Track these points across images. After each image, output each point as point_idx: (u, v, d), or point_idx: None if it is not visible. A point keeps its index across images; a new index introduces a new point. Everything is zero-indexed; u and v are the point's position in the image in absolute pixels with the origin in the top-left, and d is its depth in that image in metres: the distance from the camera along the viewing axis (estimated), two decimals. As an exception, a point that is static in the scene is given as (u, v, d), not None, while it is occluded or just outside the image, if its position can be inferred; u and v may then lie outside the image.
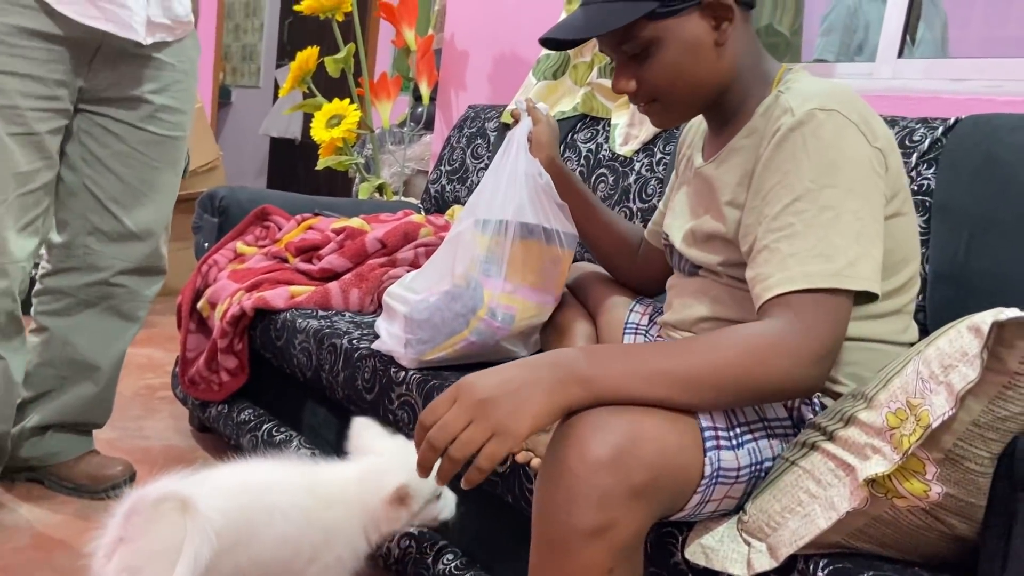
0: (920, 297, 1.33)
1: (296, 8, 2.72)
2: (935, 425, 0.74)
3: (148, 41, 1.51)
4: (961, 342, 0.76)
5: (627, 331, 1.33)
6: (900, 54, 1.77)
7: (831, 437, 0.86)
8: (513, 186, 1.33)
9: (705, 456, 0.87)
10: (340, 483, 1.18)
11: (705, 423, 0.88)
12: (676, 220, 1.18)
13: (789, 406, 0.98)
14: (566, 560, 0.81)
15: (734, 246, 1.01)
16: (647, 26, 1.01)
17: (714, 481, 0.88)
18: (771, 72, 1.06)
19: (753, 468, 0.91)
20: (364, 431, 1.25)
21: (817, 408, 0.97)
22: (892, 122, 1.50)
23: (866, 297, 0.91)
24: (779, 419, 0.96)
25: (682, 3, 1.00)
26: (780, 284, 0.89)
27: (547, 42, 1.10)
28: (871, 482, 0.78)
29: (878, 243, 0.91)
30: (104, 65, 1.50)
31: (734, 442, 0.90)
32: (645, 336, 1.30)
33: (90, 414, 1.72)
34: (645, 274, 1.37)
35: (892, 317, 1.01)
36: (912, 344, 1.01)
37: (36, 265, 1.62)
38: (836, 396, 0.99)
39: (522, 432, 0.81)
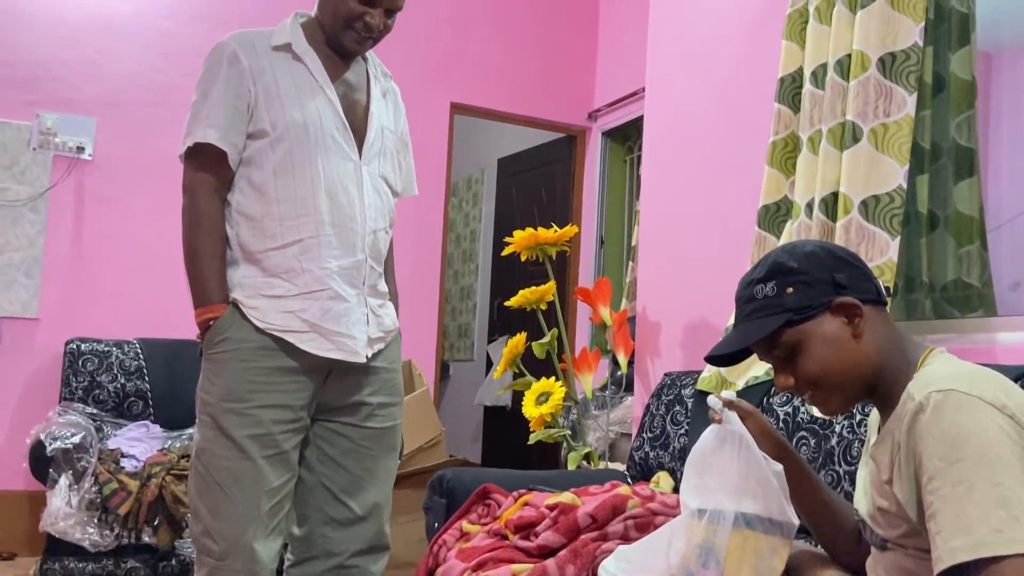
0: None
1: (506, 304, 3.10)
2: None
3: (365, 360, 1.81)
4: None
5: None
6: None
7: None
8: (733, 475, 1.39)
9: None
10: None
11: None
12: (862, 497, 1.25)
13: None
14: None
15: (907, 520, 1.07)
16: (787, 332, 1.20)
17: None
18: (916, 356, 1.17)
19: None
20: None
21: None
22: (1101, 375, 1.47)
23: None
24: None
25: (812, 310, 1.18)
26: (939, 561, 0.98)
27: (712, 359, 1.30)
28: None
29: None
30: (335, 381, 1.80)
31: None
32: None
33: None
34: (866, 556, 1.38)
35: None
36: None
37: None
38: None
39: None
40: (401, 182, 1.96)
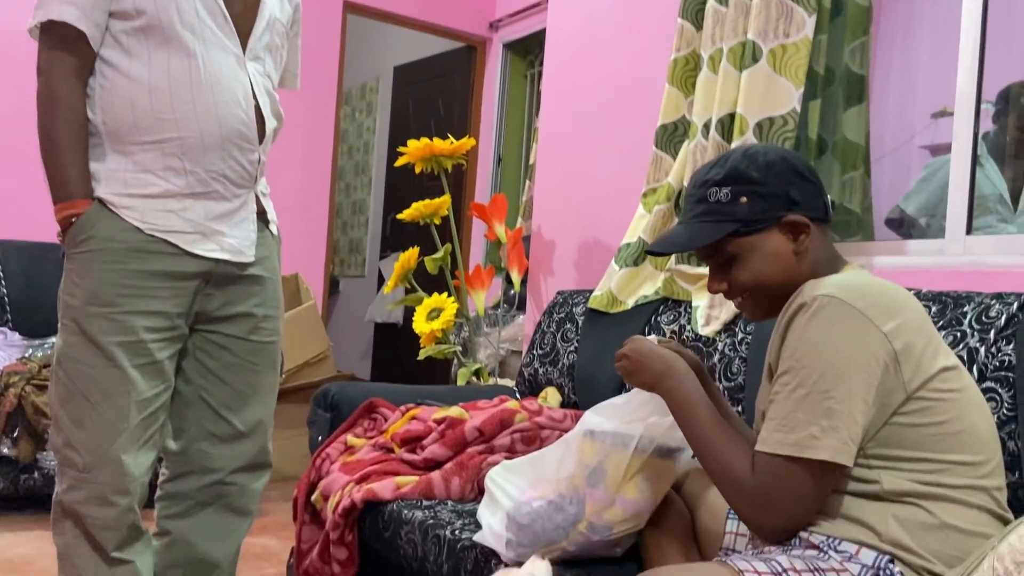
0: (1016, 474, 1.33)
1: (399, 217, 3.01)
2: (1015, 623, 0.76)
3: (252, 259, 1.72)
4: (1031, 538, 0.79)
5: (731, 516, 1.37)
6: (969, 230, 1.83)
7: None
8: (632, 403, 1.42)
9: None
10: None
11: (743, 565, 0.99)
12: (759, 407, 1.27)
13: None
14: None
15: None
16: (732, 242, 1.20)
17: None
18: (839, 270, 1.20)
19: None
20: None
21: (886, 574, 1.02)
22: (967, 298, 1.54)
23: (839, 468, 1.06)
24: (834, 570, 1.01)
25: (761, 224, 1.18)
26: (759, 444, 1.10)
27: (651, 252, 1.31)
28: None
29: (853, 419, 1.04)
30: (215, 289, 1.70)
31: None
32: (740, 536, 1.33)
33: (212, 609, 1.82)
34: None
35: (960, 505, 1.05)
36: (988, 536, 1.04)
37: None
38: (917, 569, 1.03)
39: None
40: (279, 73, 1.82)
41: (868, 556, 1.04)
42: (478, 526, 1.59)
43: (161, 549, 1.77)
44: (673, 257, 2.28)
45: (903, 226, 2.57)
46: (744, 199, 1.19)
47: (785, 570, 1.00)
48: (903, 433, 1.06)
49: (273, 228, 1.82)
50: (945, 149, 2.70)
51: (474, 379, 2.89)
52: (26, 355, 2.96)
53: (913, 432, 1.06)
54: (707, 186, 1.23)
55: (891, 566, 1.02)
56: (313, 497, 2.02)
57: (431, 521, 1.68)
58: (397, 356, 5.09)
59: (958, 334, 1.50)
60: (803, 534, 1.11)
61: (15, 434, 2.75)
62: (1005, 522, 1.09)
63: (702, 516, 1.42)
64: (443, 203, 2.94)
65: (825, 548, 1.07)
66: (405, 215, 2.92)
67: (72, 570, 1.61)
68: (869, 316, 1.06)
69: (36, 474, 2.84)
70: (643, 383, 1.30)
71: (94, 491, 1.57)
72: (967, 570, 0.86)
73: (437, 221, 2.96)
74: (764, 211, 1.18)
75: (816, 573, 1.00)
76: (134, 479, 1.60)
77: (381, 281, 5.35)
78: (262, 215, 1.77)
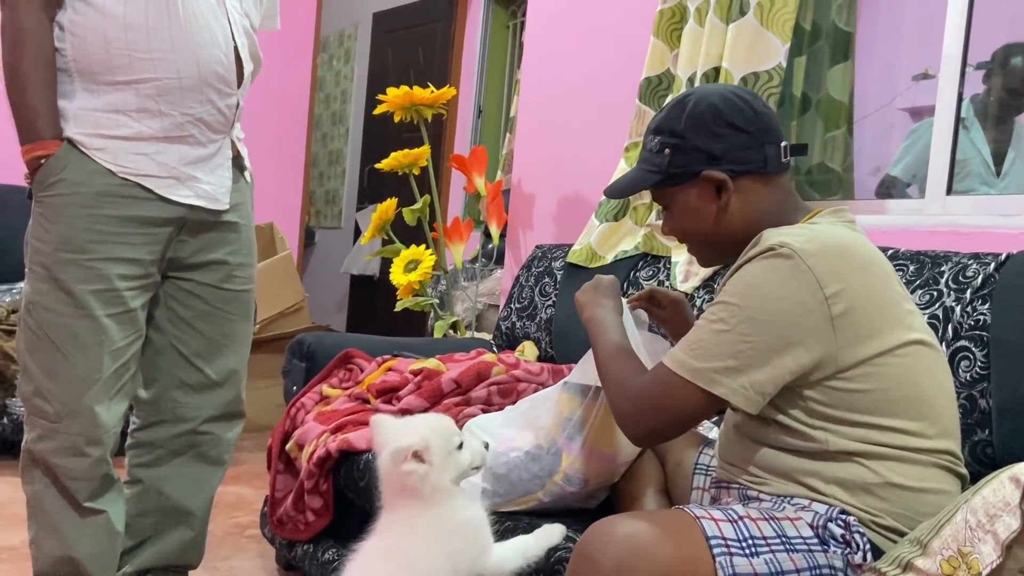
0: (986, 432, 1.35)
1: (377, 167, 2.97)
2: (984, 573, 0.77)
3: (227, 206, 1.68)
4: (1003, 492, 0.80)
5: (697, 471, 1.38)
6: (949, 190, 1.83)
7: (891, 583, 0.89)
8: None
9: (715, 562, 0.95)
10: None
11: (711, 532, 0.98)
12: None
13: (814, 524, 1.03)
14: None
15: None
16: (661, 192, 1.23)
17: None
18: (798, 218, 1.17)
19: None
20: (380, 426, 1.29)
21: (840, 523, 1.03)
22: (944, 258, 1.55)
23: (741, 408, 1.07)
24: (802, 537, 1.02)
25: (679, 178, 1.19)
26: (666, 356, 1.12)
27: (606, 194, 1.33)
28: (931, 629, 0.81)
29: (761, 369, 1.04)
30: (189, 236, 1.66)
31: (747, 550, 0.97)
32: (708, 475, 1.35)
33: (186, 557, 1.82)
34: None
35: (905, 463, 1.05)
36: (940, 492, 1.06)
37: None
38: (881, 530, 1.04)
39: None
40: (260, 13, 1.76)
41: (820, 507, 1.05)
42: (453, 476, 1.59)
43: (132, 497, 1.76)
44: (653, 212, 2.27)
45: (890, 192, 2.58)
46: (667, 151, 1.19)
47: (741, 517, 1.01)
48: (847, 396, 1.06)
49: (247, 175, 1.78)
50: (925, 112, 2.70)
51: (451, 332, 2.88)
52: (-7, 300, 2.91)
53: (857, 396, 1.06)
54: (648, 132, 1.25)
55: (843, 516, 1.03)
56: (288, 446, 2.01)
57: (407, 471, 1.68)
58: (373, 309, 5.07)
59: (934, 293, 1.51)
60: (751, 493, 1.12)
61: (-18, 379, 2.72)
62: (962, 478, 1.10)
63: (673, 472, 1.44)
64: (422, 153, 2.89)
65: (778, 503, 1.08)
66: (384, 164, 2.87)
67: (43, 518, 1.60)
68: (816, 274, 1.04)
69: (5, 419, 2.81)
70: (581, 317, 1.36)
71: (66, 442, 1.55)
72: (939, 523, 0.88)
73: (416, 172, 2.92)
74: (682, 165, 1.18)
75: (772, 521, 1.02)
76: (107, 430, 1.58)
77: (357, 233, 5.30)
78: (236, 160, 1.73)
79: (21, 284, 2.96)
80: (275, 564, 2.20)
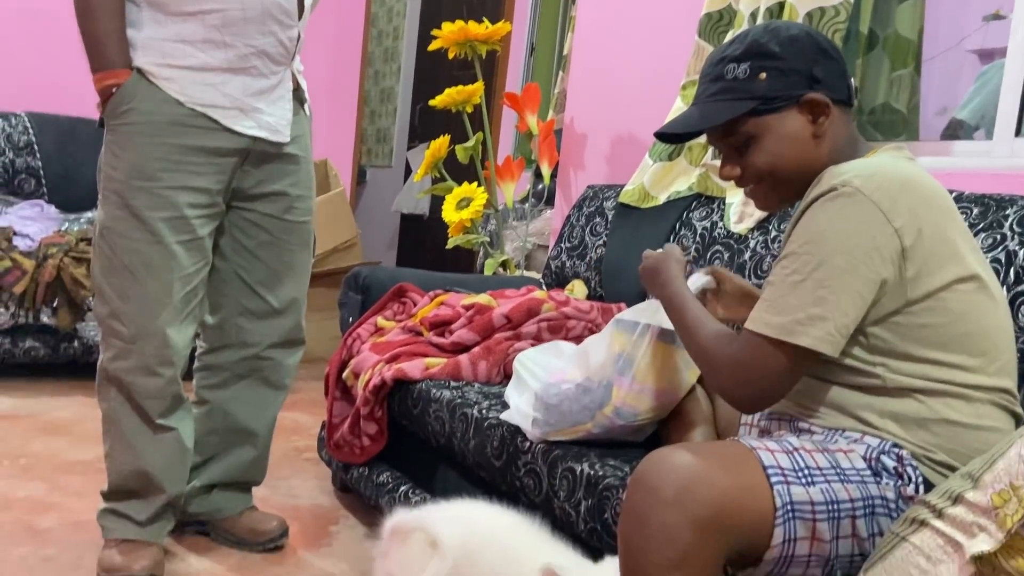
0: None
1: (431, 103, 2.97)
2: (1036, 506, 0.78)
3: (288, 138, 1.72)
4: (1060, 427, 0.80)
5: (743, 421, 1.40)
6: (1018, 132, 1.78)
7: (940, 515, 0.91)
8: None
9: (773, 490, 0.97)
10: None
11: (768, 461, 0.99)
12: None
13: (867, 456, 1.04)
14: None
15: None
16: (748, 122, 1.15)
17: (791, 515, 0.97)
18: (862, 156, 1.15)
19: (830, 508, 0.99)
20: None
21: (892, 456, 1.04)
22: (1010, 201, 1.52)
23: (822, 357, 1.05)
24: (855, 468, 1.03)
25: (780, 102, 1.13)
26: (748, 321, 1.09)
27: (662, 136, 1.26)
28: (977, 559, 0.83)
29: (846, 312, 1.03)
30: (252, 167, 1.71)
31: (803, 480, 0.99)
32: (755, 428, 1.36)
33: (249, 474, 1.91)
34: None
35: (961, 400, 1.06)
36: (994, 430, 1.07)
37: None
38: (933, 465, 1.05)
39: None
40: None
41: (873, 440, 1.06)
42: (504, 407, 1.64)
43: (200, 417, 1.85)
44: (709, 151, 2.24)
45: (956, 136, 2.50)
46: (763, 75, 1.13)
47: (796, 448, 1.02)
48: (911, 331, 1.06)
49: (307, 107, 1.81)
50: (996, 54, 2.60)
51: (501, 271, 2.91)
52: (63, 228, 3.01)
53: (921, 330, 1.05)
54: (724, 63, 1.16)
55: (896, 449, 1.04)
56: (344, 374, 2.08)
57: (459, 400, 1.74)
58: (423, 248, 5.12)
59: (997, 236, 1.48)
60: (803, 425, 1.13)
61: (55, 304, 2.83)
62: (1016, 417, 1.10)
63: (723, 408, 1.45)
64: (476, 90, 2.88)
65: (830, 435, 1.10)
66: (437, 101, 2.87)
67: (118, 434, 1.69)
68: (883, 208, 1.03)
69: (76, 343, 2.94)
70: (658, 292, 1.34)
71: (140, 362, 1.63)
72: (992, 457, 0.88)
73: (469, 109, 2.91)
74: (784, 88, 1.13)
75: (825, 452, 1.03)
76: (178, 351, 1.66)
77: (408, 172, 5.32)
78: (296, 93, 1.76)
79: (89, 213, 3.09)
80: (331, 485, 2.30)
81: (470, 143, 2.84)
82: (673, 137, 1.28)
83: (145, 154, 1.58)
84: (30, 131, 3.26)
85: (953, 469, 1.03)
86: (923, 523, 0.92)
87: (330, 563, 1.86)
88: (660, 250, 1.36)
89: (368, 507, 2.12)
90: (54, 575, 1.67)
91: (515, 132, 3.95)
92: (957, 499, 0.90)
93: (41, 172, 3.26)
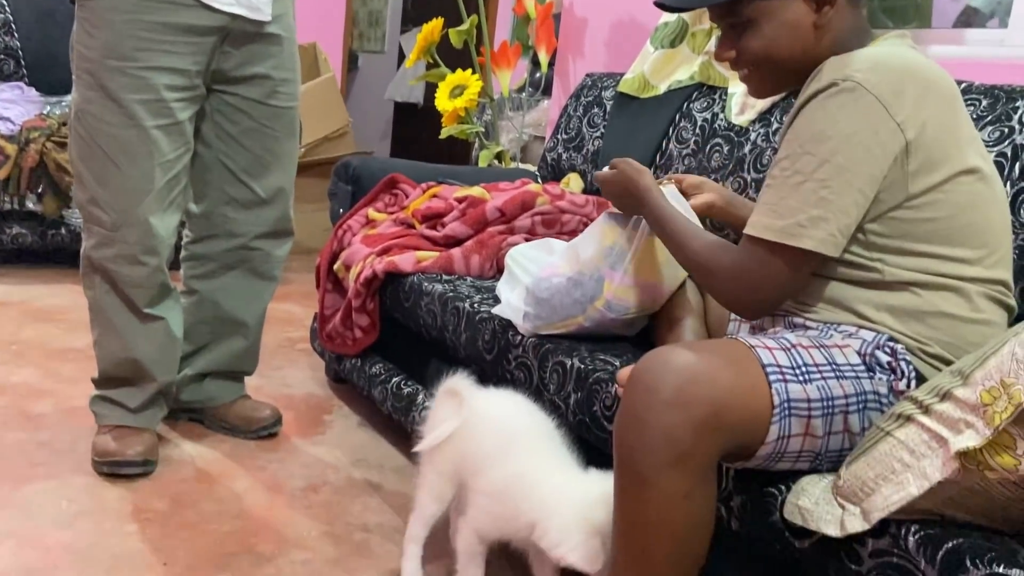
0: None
1: (422, -18, 2.83)
2: (1026, 404, 0.78)
3: (269, 17, 1.64)
4: (1056, 326, 0.78)
5: (732, 318, 1.38)
6: (1036, 20, 1.70)
7: (927, 411, 0.91)
8: None
9: (771, 388, 0.97)
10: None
11: (766, 360, 0.99)
12: None
13: (862, 352, 1.04)
14: (648, 490, 0.94)
15: None
16: (750, 4, 1.10)
17: (787, 412, 0.97)
18: (866, 45, 1.11)
19: (825, 405, 0.99)
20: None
21: (887, 350, 1.04)
22: (1021, 92, 1.46)
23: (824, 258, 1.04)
24: (850, 364, 1.03)
25: None
26: (747, 226, 1.07)
27: (661, 5, 1.20)
28: (963, 455, 0.83)
29: (848, 212, 1.01)
30: (232, 47, 1.63)
31: (800, 377, 0.99)
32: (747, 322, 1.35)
33: (241, 363, 1.92)
34: None
35: (959, 293, 1.05)
36: (989, 323, 1.07)
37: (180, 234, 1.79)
38: (921, 357, 1.05)
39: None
40: None
41: (868, 334, 1.06)
42: (496, 301, 1.63)
43: (189, 306, 1.83)
44: (712, 38, 2.15)
45: (969, 24, 2.40)
46: None
47: (793, 345, 1.02)
48: (911, 226, 1.04)
49: None
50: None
51: (495, 162, 2.85)
52: (44, 111, 2.92)
53: (922, 224, 1.04)
54: None
55: (891, 343, 1.04)
56: (335, 266, 2.06)
57: (451, 294, 1.72)
58: (417, 137, 5.02)
59: (1005, 130, 1.43)
60: (797, 320, 1.13)
61: (39, 190, 2.78)
62: (1009, 310, 1.10)
63: (713, 302, 1.44)
64: (470, -30, 2.75)
65: (825, 330, 1.09)
66: (430, -18, 2.74)
67: (105, 322, 1.68)
68: (885, 102, 1.00)
69: (63, 230, 2.91)
70: (626, 207, 1.35)
71: (123, 250, 1.60)
72: (984, 355, 0.87)
73: (463, -9, 2.78)
74: None
75: (821, 348, 1.03)
76: (162, 240, 1.63)
77: (402, 58, 5.16)
78: None
79: (69, 97, 2.98)
80: (324, 375, 2.32)
81: (464, 26, 2.73)
82: (673, 8, 1.23)
83: (119, 32, 1.51)
84: (6, 8, 3.12)
85: (947, 362, 1.03)
86: (909, 418, 0.92)
87: (324, 451, 1.89)
88: (608, 169, 1.35)
89: (361, 397, 2.14)
90: (49, 459, 1.70)
91: (512, 15, 3.79)
92: (945, 395, 0.89)
93: (20, 52, 3.14)
